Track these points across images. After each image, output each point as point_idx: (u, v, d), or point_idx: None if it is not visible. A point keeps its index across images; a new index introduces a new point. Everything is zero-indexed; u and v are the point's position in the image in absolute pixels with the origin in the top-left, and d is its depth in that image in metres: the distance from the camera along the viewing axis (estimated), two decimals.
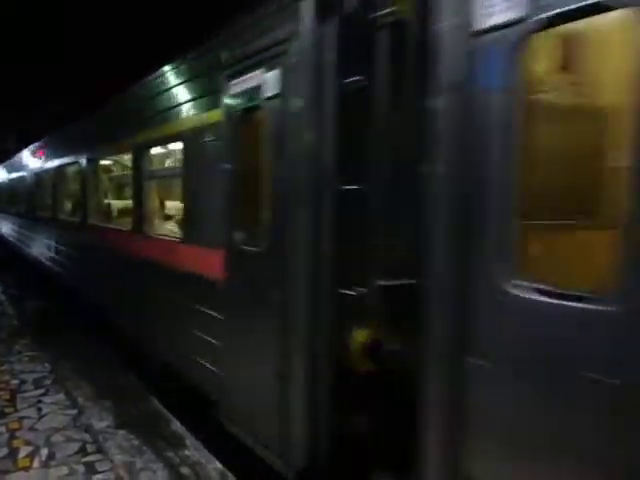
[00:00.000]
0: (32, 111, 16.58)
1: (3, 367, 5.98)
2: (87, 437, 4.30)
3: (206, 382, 4.17)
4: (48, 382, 5.53)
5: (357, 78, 2.79)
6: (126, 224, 6.39)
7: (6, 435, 4.29)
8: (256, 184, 3.51)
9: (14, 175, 15.52)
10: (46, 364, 6.11)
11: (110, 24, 10.80)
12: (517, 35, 1.84)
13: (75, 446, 4.14)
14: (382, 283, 2.73)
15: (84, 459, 3.95)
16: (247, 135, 3.66)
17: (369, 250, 2.80)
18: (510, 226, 1.89)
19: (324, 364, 2.98)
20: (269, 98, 3.27)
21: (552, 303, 1.77)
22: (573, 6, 1.69)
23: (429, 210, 2.16)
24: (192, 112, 4.50)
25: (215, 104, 3.93)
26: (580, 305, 1.68)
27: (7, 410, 4.79)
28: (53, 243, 10.22)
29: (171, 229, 5.69)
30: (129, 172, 6.23)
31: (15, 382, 5.50)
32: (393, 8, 2.61)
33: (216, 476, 3.86)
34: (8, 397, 5.10)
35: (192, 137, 4.37)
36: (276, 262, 3.23)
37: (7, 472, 3.73)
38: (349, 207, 2.87)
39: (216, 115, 3.93)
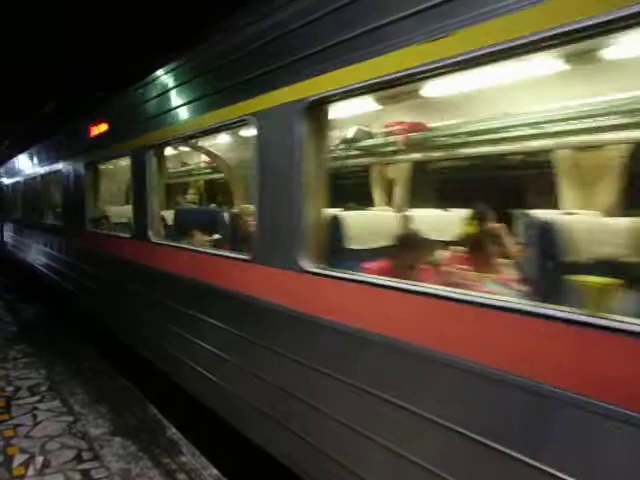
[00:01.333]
0: (31, 112, 16.51)
1: None
2: (83, 444, 4.27)
3: None
4: (43, 389, 5.49)
5: None
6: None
7: (0, 443, 4.26)
8: None
9: (30, 172, 11.43)
10: (42, 370, 6.07)
11: (110, 24, 10.78)
12: None
13: (71, 453, 4.11)
14: None
15: (80, 466, 3.92)
16: None
17: None
18: None
19: None
20: None
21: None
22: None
23: None
24: None
25: None
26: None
27: (2, 417, 4.75)
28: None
29: None
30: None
31: (10, 389, 5.47)
32: None
33: None
34: (3, 404, 5.06)
35: None
36: None
37: None
38: None
39: None
